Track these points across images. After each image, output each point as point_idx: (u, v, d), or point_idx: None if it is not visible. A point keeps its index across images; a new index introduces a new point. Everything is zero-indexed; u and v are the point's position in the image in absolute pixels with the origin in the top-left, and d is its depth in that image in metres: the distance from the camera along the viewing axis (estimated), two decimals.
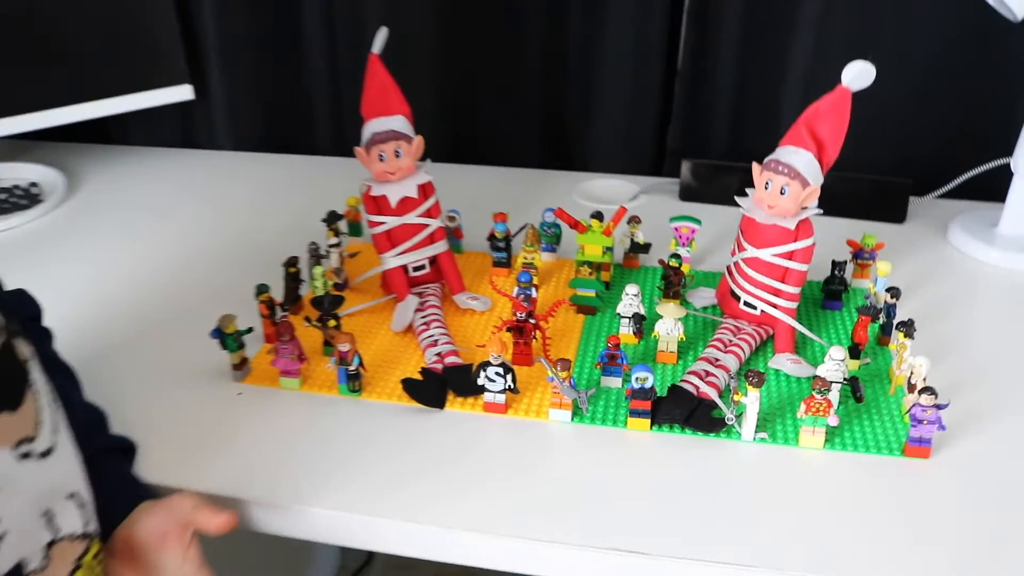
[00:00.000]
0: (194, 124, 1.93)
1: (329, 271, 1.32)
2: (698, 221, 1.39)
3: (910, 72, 1.62)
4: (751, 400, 1.05)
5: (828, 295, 1.35)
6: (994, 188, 1.61)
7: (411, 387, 1.13)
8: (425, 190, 1.28)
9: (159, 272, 1.45)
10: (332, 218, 1.41)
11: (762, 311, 1.23)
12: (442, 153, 1.74)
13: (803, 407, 1.05)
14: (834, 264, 1.33)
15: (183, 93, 1.82)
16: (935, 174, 1.66)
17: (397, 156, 1.23)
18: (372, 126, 1.23)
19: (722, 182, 1.68)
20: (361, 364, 1.13)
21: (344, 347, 1.10)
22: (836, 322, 1.32)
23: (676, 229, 1.39)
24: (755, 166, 1.19)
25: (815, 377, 1.05)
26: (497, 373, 1.08)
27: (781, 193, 1.16)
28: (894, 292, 1.25)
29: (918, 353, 1.11)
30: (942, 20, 1.60)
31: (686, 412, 1.09)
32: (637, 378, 1.05)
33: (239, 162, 1.87)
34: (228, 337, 1.14)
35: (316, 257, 1.34)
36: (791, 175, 1.14)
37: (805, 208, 1.18)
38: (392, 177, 1.24)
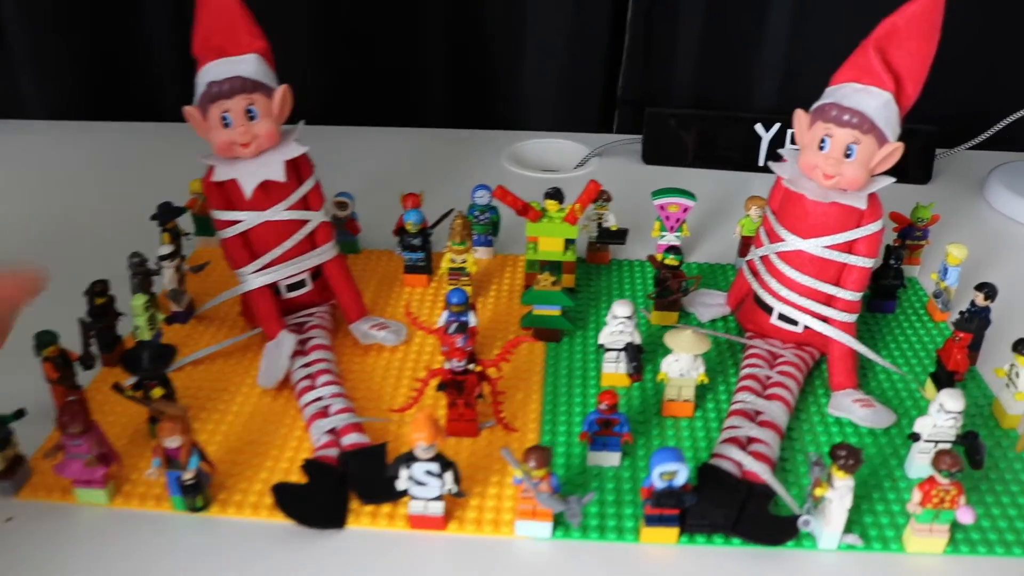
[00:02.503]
0: None
1: (162, 295, 0.89)
2: (692, 196, 1.01)
3: None
4: (841, 492, 0.66)
5: (879, 292, 0.99)
6: None
7: (287, 497, 0.72)
8: (298, 169, 0.87)
9: None
10: (166, 214, 0.97)
11: (806, 328, 0.85)
12: (326, 112, 1.45)
13: (918, 496, 0.67)
14: (889, 250, 0.98)
15: None
16: (966, 122, 1.35)
17: (250, 117, 0.82)
18: (208, 72, 0.82)
19: (701, 137, 1.34)
20: (205, 461, 0.70)
21: (172, 442, 0.67)
22: (893, 330, 0.97)
23: (661, 208, 1.01)
24: (799, 116, 0.82)
25: (939, 453, 0.66)
26: (429, 472, 0.66)
27: (847, 155, 0.77)
28: (988, 291, 0.89)
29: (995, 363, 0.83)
30: None
31: (733, 512, 0.70)
32: (663, 473, 0.64)
33: (49, 135, 1.46)
34: None
35: (142, 275, 0.89)
36: (862, 127, 0.79)
37: (876, 177, 0.81)
38: (244, 151, 0.82)
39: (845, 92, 0.79)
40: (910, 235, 1.05)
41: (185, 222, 1.02)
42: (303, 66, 1.43)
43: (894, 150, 0.79)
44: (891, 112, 0.78)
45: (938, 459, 0.66)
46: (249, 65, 0.82)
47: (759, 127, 1.30)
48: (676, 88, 1.45)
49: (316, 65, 1.47)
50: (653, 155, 1.35)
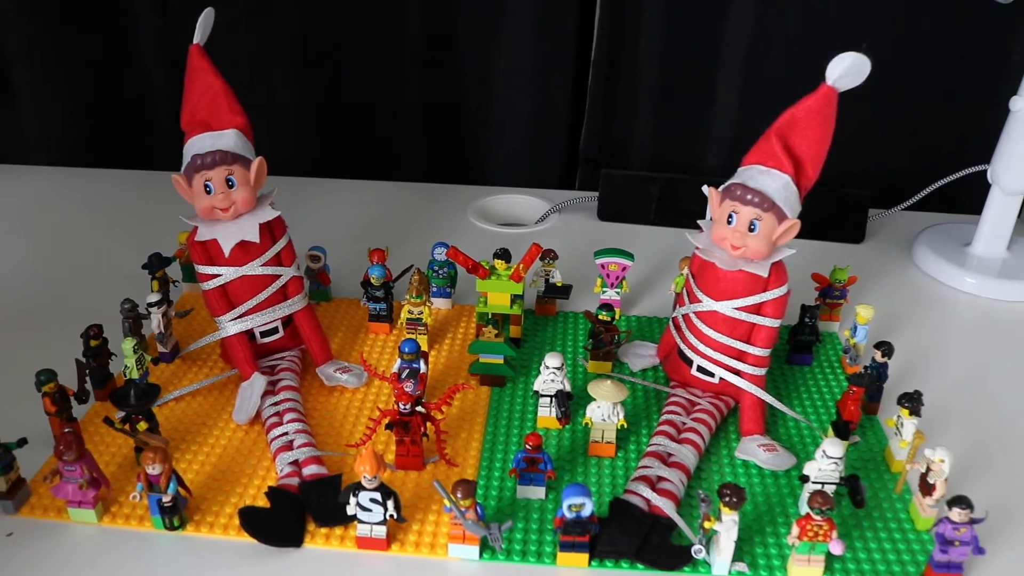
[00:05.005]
0: None
1: (150, 337, 0.99)
2: (630, 256, 1.11)
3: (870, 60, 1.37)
4: (727, 526, 0.76)
5: (795, 347, 1.08)
6: (961, 199, 1.40)
7: (252, 520, 0.82)
8: (272, 230, 0.97)
9: None
10: (155, 264, 1.07)
11: (721, 379, 0.95)
12: (306, 165, 1.51)
13: (796, 530, 0.77)
14: (804, 309, 1.07)
15: None
16: (899, 184, 1.42)
17: (229, 186, 0.92)
18: (194, 145, 0.92)
19: (651, 196, 1.42)
20: (182, 486, 0.81)
21: (153, 469, 0.77)
22: (808, 381, 1.06)
23: (602, 267, 1.11)
24: (712, 193, 0.91)
25: (814, 493, 0.76)
26: (373, 500, 0.76)
27: (750, 229, 0.87)
28: (885, 349, 0.99)
29: (894, 413, 0.91)
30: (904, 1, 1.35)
31: (637, 540, 0.80)
32: (571, 506, 0.75)
33: (52, 180, 1.53)
34: None
35: (133, 319, 1.00)
36: (763, 205, 0.87)
37: (779, 247, 0.90)
38: (223, 215, 0.92)
39: (751, 174, 0.89)
40: (829, 294, 1.14)
41: (173, 270, 1.12)
42: (292, 131, 1.52)
43: (792, 226, 0.88)
44: (790, 192, 0.88)
45: (811, 498, 0.76)
46: (230, 139, 0.92)
47: (706, 188, 1.39)
48: (634, 149, 1.51)
49: (299, 119, 1.53)
50: (607, 212, 1.42)
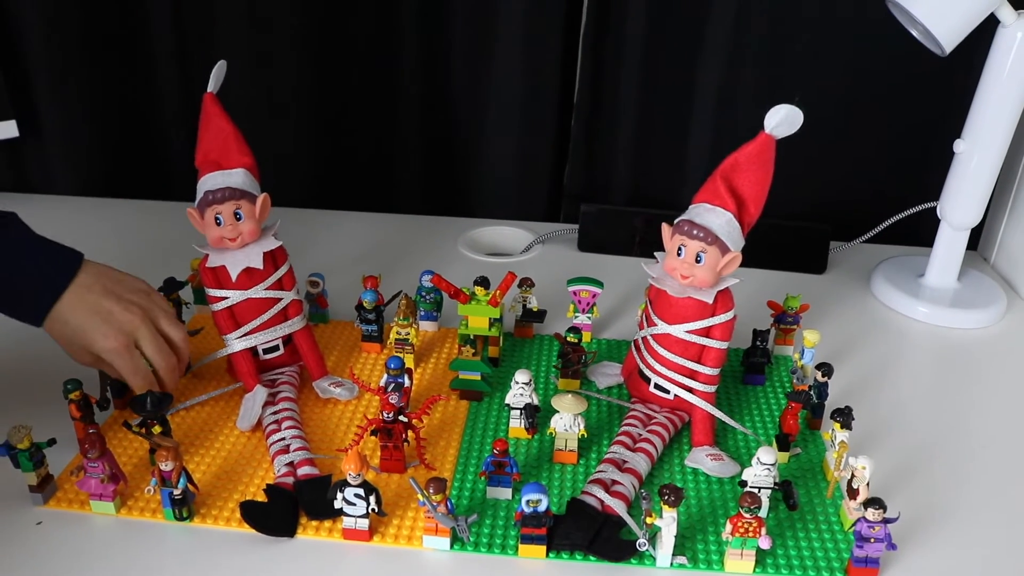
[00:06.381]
0: (25, 164, 1.68)
1: None
2: (600, 284, 1.20)
3: (828, 105, 1.47)
4: (667, 522, 0.87)
5: (749, 368, 1.18)
6: (923, 231, 1.49)
7: (252, 513, 0.92)
8: (275, 258, 1.07)
9: None
10: (170, 287, 1.19)
11: (676, 395, 1.05)
12: (307, 198, 1.60)
13: (729, 527, 0.88)
14: (755, 333, 1.17)
15: (7, 130, 1.56)
16: (860, 217, 1.52)
17: (237, 219, 1.02)
18: (206, 182, 1.03)
19: (626, 229, 1.52)
20: (191, 483, 0.92)
21: (166, 466, 0.88)
22: (760, 400, 1.16)
23: (575, 294, 1.21)
24: (665, 228, 1.02)
25: (743, 494, 0.86)
26: (357, 495, 0.87)
27: (696, 261, 0.98)
28: (825, 370, 1.09)
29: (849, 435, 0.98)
30: (862, 49, 1.46)
31: (589, 535, 0.90)
32: (528, 501, 0.86)
33: (75, 209, 1.62)
34: (21, 454, 0.90)
35: None
36: (708, 239, 0.97)
37: (724, 277, 1.00)
38: (231, 244, 1.03)
39: (699, 211, 0.99)
40: (783, 320, 1.23)
41: (186, 294, 1.23)
42: (293, 164, 1.61)
43: (734, 258, 0.98)
44: (733, 228, 0.98)
45: (741, 499, 0.86)
46: (238, 177, 1.02)
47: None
48: (615, 185, 1.60)
49: (302, 157, 1.62)
50: (586, 244, 1.52)
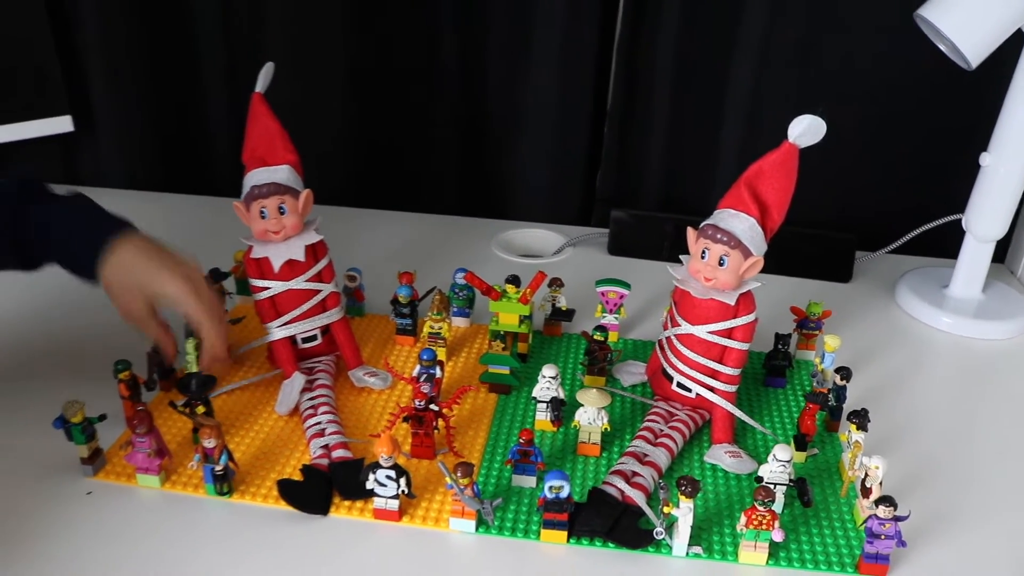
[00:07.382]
0: (78, 158, 1.75)
1: None
2: (627, 286, 1.24)
3: (857, 116, 1.50)
4: (683, 512, 0.90)
5: (771, 371, 1.21)
6: (948, 242, 1.50)
7: (288, 490, 0.97)
8: (315, 251, 1.12)
9: (5, 334, 1.25)
10: (215, 276, 1.24)
11: (697, 394, 1.09)
12: (349, 197, 1.64)
13: (743, 519, 0.91)
14: (777, 337, 1.20)
15: (62, 124, 1.62)
16: (886, 227, 1.55)
17: (281, 213, 1.07)
18: (252, 178, 1.08)
19: (656, 234, 1.55)
20: (231, 460, 0.96)
21: (209, 443, 0.93)
22: (780, 402, 1.19)
23: (602, 295, 1.25)
24: (690, 232, 1.05)
25: (758, 487, 0.90)
26: (388, 476, 0.91)
27: (720, 264, 1.02)
28: (844, 374, 1.12)
29: (867, 437, 1.01)
30: (890, 61, 1.49)
31: (609, 522, 0.94)
32: (551, 487, 0.90)
33: (125, 201, 1.64)
34: (74, 428, 0.96)
35: None
36: (731, 244, 1.01)
37: (746, 280, 1.04)
38: (275, 237, 1.08)
39: (723, 216, 1.03)
40: (805, 326, 1.26)
41: (229, 284, 1.28)
42: (334, 164, 1.65)
43: (756, 262, 1.01)
44: (756, 233, 1.02)
45: (755, 493, 0.90)
46: (283, 174, 1.07)
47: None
48: (645, 190, 1.64)
49: (344, 157, 1.67)
50: (616, 248, 1.56)
